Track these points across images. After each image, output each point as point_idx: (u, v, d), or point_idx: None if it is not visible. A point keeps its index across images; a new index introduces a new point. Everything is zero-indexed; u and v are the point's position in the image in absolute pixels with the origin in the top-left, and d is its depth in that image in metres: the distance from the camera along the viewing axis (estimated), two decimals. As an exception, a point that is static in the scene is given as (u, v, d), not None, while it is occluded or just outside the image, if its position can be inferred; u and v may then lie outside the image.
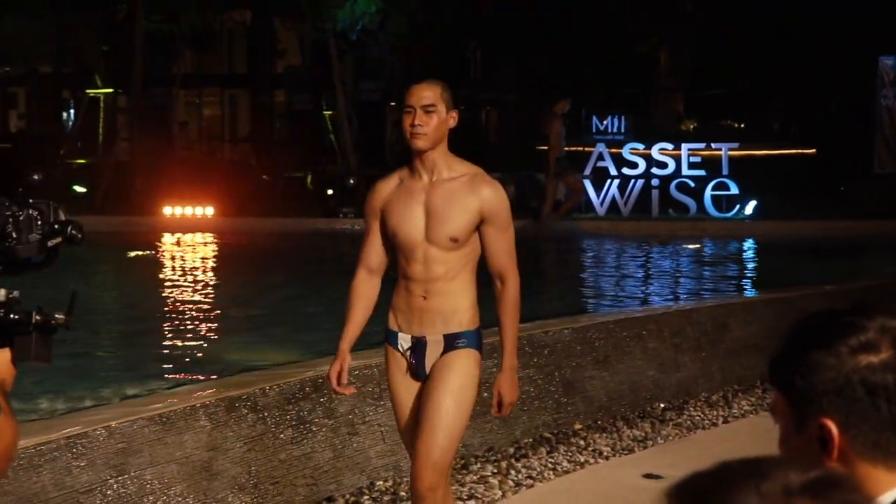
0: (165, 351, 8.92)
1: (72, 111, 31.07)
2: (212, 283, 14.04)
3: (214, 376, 7.37)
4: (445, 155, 4.17)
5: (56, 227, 1.99)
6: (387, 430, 6.01)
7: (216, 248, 18.26)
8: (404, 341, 4.21)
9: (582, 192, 19.76)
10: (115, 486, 4.72)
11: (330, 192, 23.71)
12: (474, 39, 32.37)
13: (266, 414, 5.42)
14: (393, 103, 31.41)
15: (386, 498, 5.64)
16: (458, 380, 4.11)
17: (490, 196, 4.13)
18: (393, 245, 4.20)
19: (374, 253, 4.27)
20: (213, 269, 15.71)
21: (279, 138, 31.94)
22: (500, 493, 5.80)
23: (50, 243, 1.98)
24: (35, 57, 25.76)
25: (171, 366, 8.24)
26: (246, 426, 5.33)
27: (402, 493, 5.70)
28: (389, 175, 4.25)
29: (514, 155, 26.19)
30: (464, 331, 4.15)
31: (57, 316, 2.05)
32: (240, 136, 35.09)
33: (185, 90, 30.81)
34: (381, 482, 5.85)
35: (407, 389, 4.22)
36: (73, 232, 2.04)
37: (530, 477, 6.07)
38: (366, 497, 5.65)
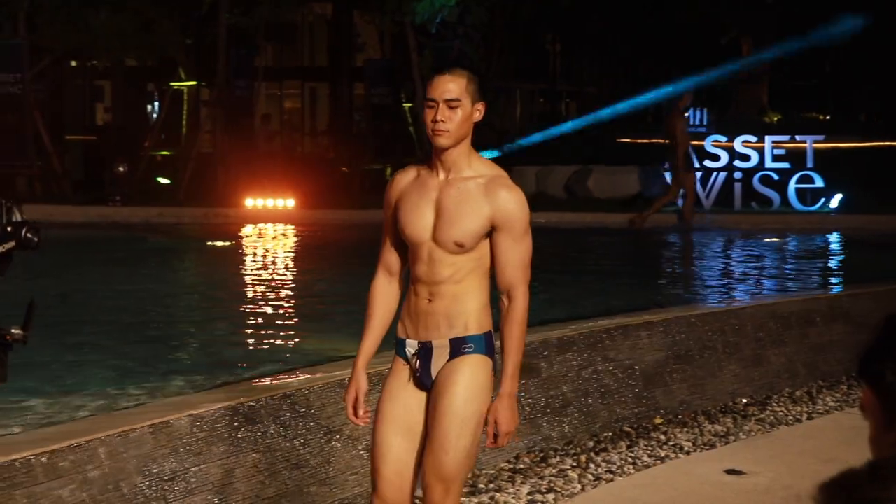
0: (249, 340, 9.01)
1: (156, 104, 31.54)
2: (292, 273, 14.16)
3: (297, 366, 7.43)
4: (468, 153, 3.81)
5: (8, 229, 1.63)
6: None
7: (296, 240, 18.41)
8: (411, 348, 3.84)
9: (692, 189, 19.33)
10: (199, 473, 4.77)
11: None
12: (553, 31, 32.22)
13: (341, 405, 5.44)
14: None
15: (464, 489, 5.64)
16: (462, 392, 3.73)
17: (505, 202, 3.74)
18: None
19: (393, 251, 3.92)
20: (293, 260, 15.85)
21: (358, 131, 32.11)
22: (579, 486, 5.77)
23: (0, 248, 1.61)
24: (121, 50, 26.13)
25: (251, 356, 8.32)
26: (325, 417, 5.36)
27: (481, 485, 5.70)
28: (408, 167, 3.96)
29: (593, 147, 26.02)
30: (470, 335, 3.78)
31: (13, 331, 1.77)
32: (319, 128, 35.36)
33: (266, 83, 31.11)
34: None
35: (402, 407, 3.82)
36: (29, 235, 1.70)
37: (610, 471, 6.03)
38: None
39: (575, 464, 6.12)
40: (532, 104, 36.91)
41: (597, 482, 5.85)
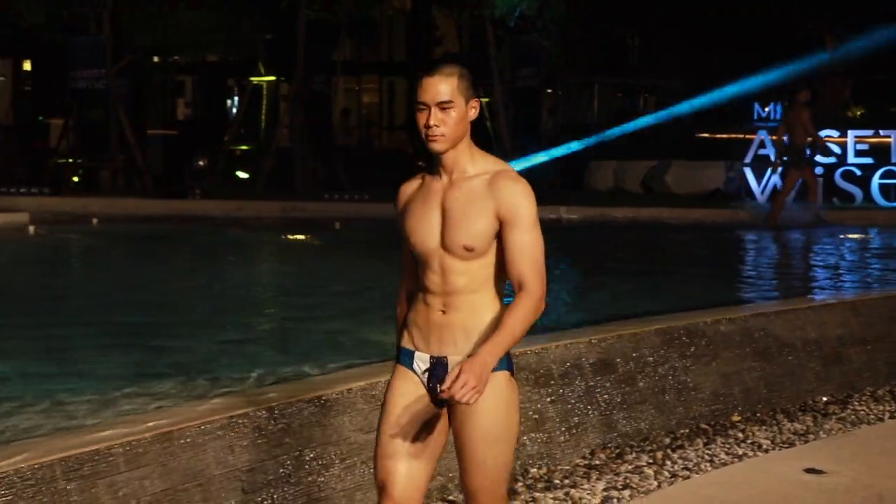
0: (327, 333, 9.07)
1: (235, 98, 31.87)
2: (367, 267, 14.23)
3: (372, 359, 7.47)
4: (468, 151, 3.64)
5: None
6: (540, 417, 6.01)
7: (372, 234, 18.49)
8: (421, 362, 3.64)
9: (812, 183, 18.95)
10: (275, 465, 4.82)
11: (487, 178, 23.68)
12: (633, 25, 32.00)
13: (422, 398, 5.46)
14: (550, 90, 31.30)
15: (540, 485, 5.64)
16: (491, 414, 3.56)
17: (508, 194, 3.57)
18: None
19: (409, 261, 3.77)
20: (366, 254, 15.93)
21: (436, 125, 32.11)
22: (655, 483, 5.73)
23: None
24: (202, 46, 26.45)
25: (329, 348, 8.37)
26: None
27: (556, 481, 5.69)
28: (416, 176, 3.76)
29: (672, 142, 25.80)
30: None
31: None
32: (397, 123, 35.49)
33: (344, 77, 31.27)
34: (535, 469, 5.84)
35: (408, 413, 3.62)
36: None
37: (686, 468, 5.99)
38: (519, 483, 5.65)
39: (651, 460, 6.08)
40: (610, 98, 36.69)
41: (673, 479, 5.81)
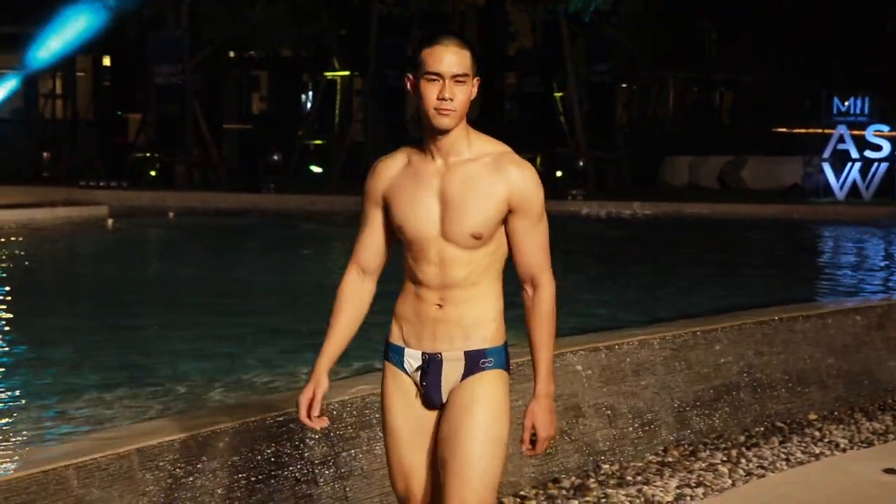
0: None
1: (310, 93, 32.09)
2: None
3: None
4: (465, 131, 3.34)
5: None
6: (613, 414, 5.96)
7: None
8: (413, 359, 3.37)
9: None
10: (348, 459, 4.83)
11: (559, 173, 23.70)
12: (709, 18, 31.65)
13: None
14: (624, 85, 31.07)
15: (612, 481, 5.60)
16: (488, 413, 3.31)
17: (520, 179, 3.29)
18: (393, 241, 3.42)
19: (371, 249, 3.42)
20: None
21: (508, 120, 32.11)
22: (729, 481, 5.66)
23: None
24: (277, 41, 26.67)
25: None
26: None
27: (629, 477, 5.65)
28: (394, 153, 3.40)
29: (749, 137, 25.50)
30: (490, 347, 3.35)
31: None
32: (470, 117, 35.47)
33: (417, 72, 31.20)
34: (607, 465, 5.81)
35: (413, 420, 3.38)
36: None
37: (761, 466, 5.91)
38: (591, 479, 5.61)
39: (725, 458, 6.01)
40: (686, 93, 36.35)
41: (748, 477, 5.74)
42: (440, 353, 3.33)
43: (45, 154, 27.45)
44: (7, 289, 11.21)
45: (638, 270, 12.99)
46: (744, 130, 27.94)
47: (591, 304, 10.23)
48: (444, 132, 3.28)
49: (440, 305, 3.32)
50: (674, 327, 6.75)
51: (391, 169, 3.36)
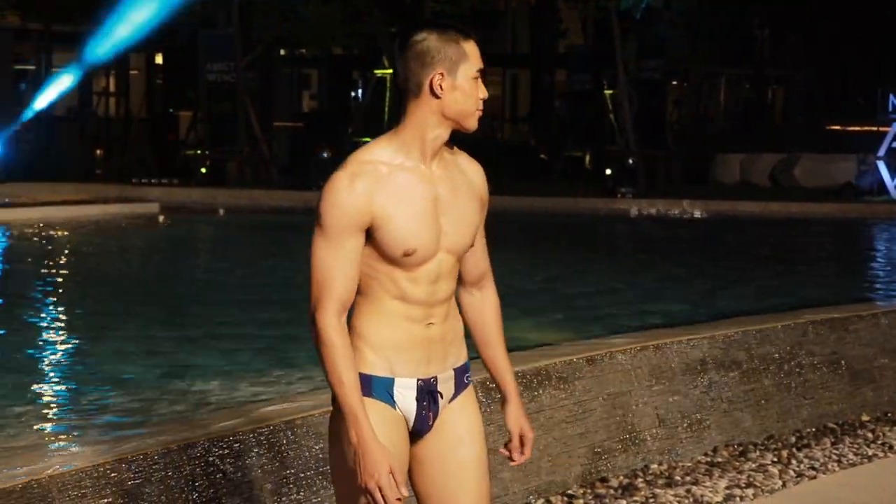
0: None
1: (360, 91, 32.19)
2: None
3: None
4: None
5: None
6: (662, 413, 5.93)
7: (492, 228, 18.48)
8: (406, 389, 2.95)
9: None
10: (395, 454, 4.84)
11: (608, 171, 23.63)
12: (762, 15, 31.39)
13: (540, 391, 5.44)
14: (675, 82, 30.88)
15: (660, 481, 5.57)
16: (481, 431, 3.08)
17: (482, 177, 3.07)
18: (375, 263, 2.92)
19: (352, 283, 2.88)
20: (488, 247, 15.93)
21: (558, 117, 32.04)
22: (780, 482, 5.61)
23: None
24: (329, 39, 26.79)
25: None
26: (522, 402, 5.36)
27: (677, 477, 5.61)
28: (360, 164, 2.89)
29: (802, 135, 25.25)
30: (467, 361, 3.09)
31: None
32: (520, 115, 35.45)
33: (468, 70, 31.17)
34: (656, 465, 5.77)
35: (402, 454, 2.97)
36: None
37: (812, 468, 5.85)
38: (640, 479, 5.59)
39: (776, 459, 5.96)
40: (737, 90, 36.08)
41: (799, 479, 5.68)
42: (435, 377, 2.98)
43: (98, 151, 27.77)
44: (58, 284, 11.35)
45: (687, 269, 12.91)
46: (796, 128, 27.69)
47: (640, 302, 10.18)
48: (460, 134, 2.98)
49: (431, 324, 2.96)
50: (724, 326, 6.70)
51: (374, 185, 2.86)
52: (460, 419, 3.04)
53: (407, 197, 2.88)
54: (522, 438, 3.12)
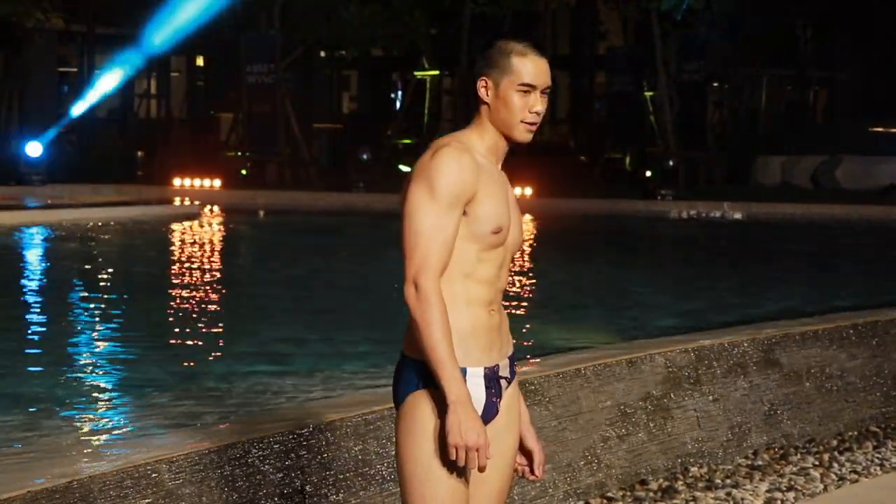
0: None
1: (399, 93, 32.25)
2: (526, 263, 14.21)
3: (529, 354, 7.47)
4: None
5: None
6: (702, 416, 5.90)
7: (533, 230, 18.47)
8: (476, 378, 3.03)
9: None
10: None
11: (648, 173, 23.55)
12: (804, 16, 31.15)
13: (580, 394, 5.43)
14: (716, 83, 30.69)
15: (700, 484, 5.54)
16: (518, 421, 3.15)
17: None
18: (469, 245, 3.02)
19: (450, 251, 2.99)
20: (527, 250, 15.91)
21: (598, 119, 31.96)
22: (821, 486, 5.57)
23: None
24: (370, 41, 26.88)
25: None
26: (561, 405, 5.35)
27: (717, 481, 5.58)
28: (462, 144, 3.04)
29: (844, 136, 25.04)
30: (514, 351, 3.18)
31: None
32: (559, 117, 35.38)
33: (507, 72, 31.13)
34: (696, 468, 5.74)
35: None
36: None
37: (854, 471, 5.80)
38: (679, 482, 5.56)
39: (817, 462, 5.91)
40: (779, 91, 35.83)
41: (840, 482, 5.63)
42: (497, 365, 3.06)
43: (139, 153, 28.00)
44: (99, 284, 11.44)
45: (727, 271, 12.83)
46: (839, 129, 27.42)
47: (680, 304, 10.13)
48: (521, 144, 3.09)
49: (493, 311, 3.06)
50: (765, 328, 6.65)
51: (475, 167, 3.01)
52: (517, 404, 3.12)
53: (496, 188, 3.03)
54: (536, 457, 3.15)
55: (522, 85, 3.01)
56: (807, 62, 32.98)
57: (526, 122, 3.03)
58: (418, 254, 2.96)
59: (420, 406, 2.97)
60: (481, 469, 2.90)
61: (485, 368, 3.02)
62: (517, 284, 11.52)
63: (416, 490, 2.97)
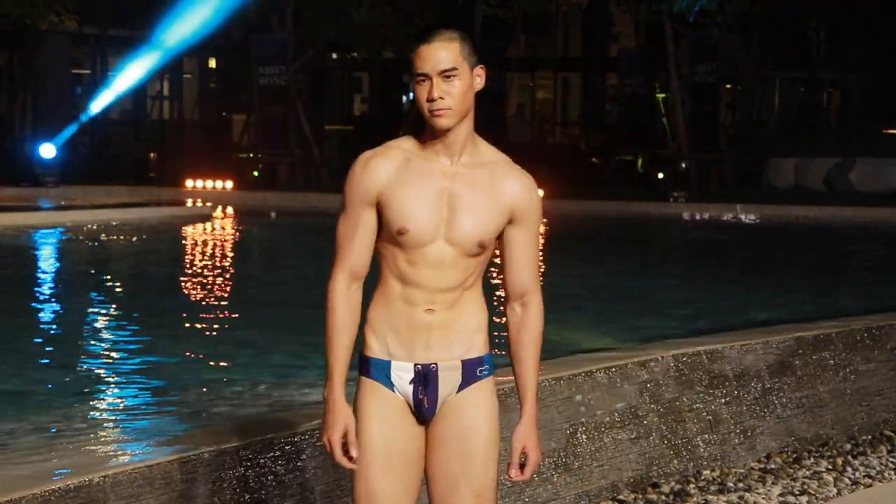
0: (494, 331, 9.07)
1: (410, 94, 32.25)
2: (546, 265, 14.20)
3: (542, 358, 7.45)
4: (472, 133, 3.17)
5: None
6: (714, 419, 5.89)
7: (543, 232, 18.47)
8: (403, 372, 3.12)
9: None
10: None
11: (661, 175, 23.51)
12: (817, 17, 31.08)
13: (591, 397, 5.42)
14: (728, 85, 30.64)
15: (713, 487, 5.53)
16: (491, 425, 3.16)
17: (525, 191, 3.14)
18: (381, 242, 3.15)
19: (363, 253, 3.15)
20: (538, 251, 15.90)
21: (610, 121, 31.92)
22: (834, 490, 5.55)
23: None
24: (381, 43, 26.87)
25: (501, 347, 8.38)
26: (572, 408, 5.34)
27: (730, 484, 5.57)
28: (384, 148, 3.16)
29: (858, 138, 24.97)
30: (485, 354, 3.18)
31: None
32: (570, 118, 35.35)
33: (518, 73, 31.29)
34: (708, 471, 5.73)
35: (391, 441, 3.12)
36: None
37: (868, 476, 5.78)
38: (692, 485, 5.55)
39: (830, 466, 5.89)
40: (792, 93, 35.75)
41: (854, 486, 5.62)
42: (435, 364, 3.11)
43: (151, 154, 28.04)
44: (113, 285, 11.47)
45: (740, 275, 12.81)
46: (852, 131, 27.36)
47: (693, 308, 10.11)
48: (447, 130, 3.09)
49: (431, 310, 3.10)
50: (778, 332, 6.64)
51: (388, 166, 3.11)
52: (470, 410, 3.13)
53: (414, 184, 3.08)
54: (524, 457, 3.16)
55: (417, 76, 3.09)
56: (819, 64, 32.90)
57: (432, 110, 3.07)
58: (335, 257, 3.17)
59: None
60: (349, 461, 3.08)
61: (415, 365, 3.10)
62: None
63: None
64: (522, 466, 3.18)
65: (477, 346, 3.16)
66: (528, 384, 3.20)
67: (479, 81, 3.15)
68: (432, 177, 3.10)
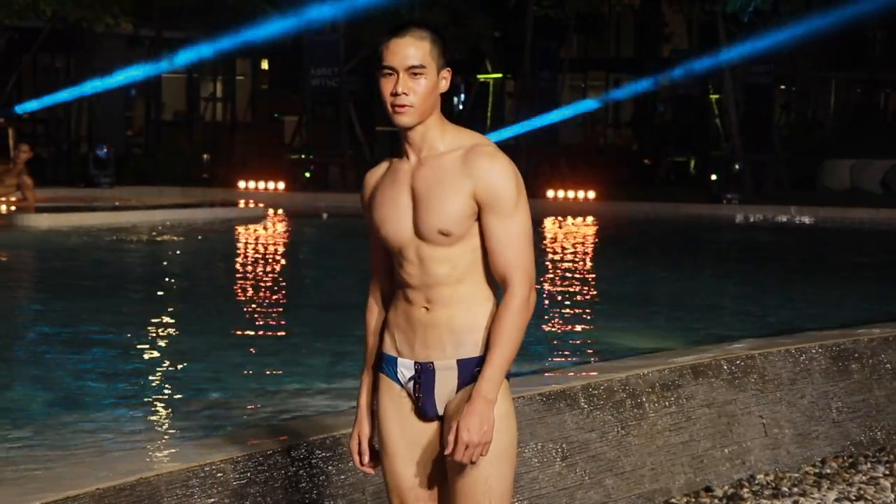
0: (545, 332, 9.06)
1: (462, 95, 32.26)
2: (589, 267, 14.14)
3: (594, 359, 7.42)
4: (439, 124, 3.11)
5: None
6: (769, 422, 5.83)
7: (595, 233, 18.39)
8: (405, 369, 3.16)
9: None
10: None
11: (714, 177, 23.34)
12: (876, 17, 30.71)
13: (644, 399, 5.38)
14: (783, 86, 30.34)
15: (767, 492, 5.47)
16: (495, 427, 3.08)
17: (484, 172, 3.04)
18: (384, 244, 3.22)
19: (376, 261, 3.26)
20: (591, 253, 15.83)
21: (662, 122, 31.74)
22: (892, 496, 5.47)
23: None
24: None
25: (551, 348, 8.35)
26: (624, 410, 5.31)
27: (784, 488, 5.51)
28: (381, 162, 3.26)
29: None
30: (483, 354, 3.09)
31: None
32: (623, 120, 35.20)
33: (570, 74, 31.19)
34: (762, 476, 5.67)
35: (408, 434, 3.18)
36: None
37: (926, 482, 5.69)
38: (745, 489, 5.49)
39: (888, 471, 5.81)
40: (848, 93, 35.35)
41: (911, 493, 5.53)
42: (432, 363, 3.11)
43: (205, 156, 28.27)
44: (166, 286, 11.56)
45: (795, 277, 12.68)
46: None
47: (746, 310, 10.02)
48: (410, 129, 3.09)
49: (427, 308, 3.10)
50: (833, 335, 6.56)
51: (374, 176, 3.21)
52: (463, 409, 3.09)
53: (389, 190, 3.16)
54: (458, 437, 3.01)
55: (384, 69, 3.09)
56: (877, 64, 32.52)
57: (394, 105, 3.07)
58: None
59: None
60: (370, 468, 3.25)
61: (415, 363, 3.14)
62: (578, 289, 11.45)
63: None
64: (456, 446, 3.03)
65: (473, 344, 3.09)
66: (487, 368, 3.03)
67: (445, 84, 3.12)
68: (400, 177, 3.14)
